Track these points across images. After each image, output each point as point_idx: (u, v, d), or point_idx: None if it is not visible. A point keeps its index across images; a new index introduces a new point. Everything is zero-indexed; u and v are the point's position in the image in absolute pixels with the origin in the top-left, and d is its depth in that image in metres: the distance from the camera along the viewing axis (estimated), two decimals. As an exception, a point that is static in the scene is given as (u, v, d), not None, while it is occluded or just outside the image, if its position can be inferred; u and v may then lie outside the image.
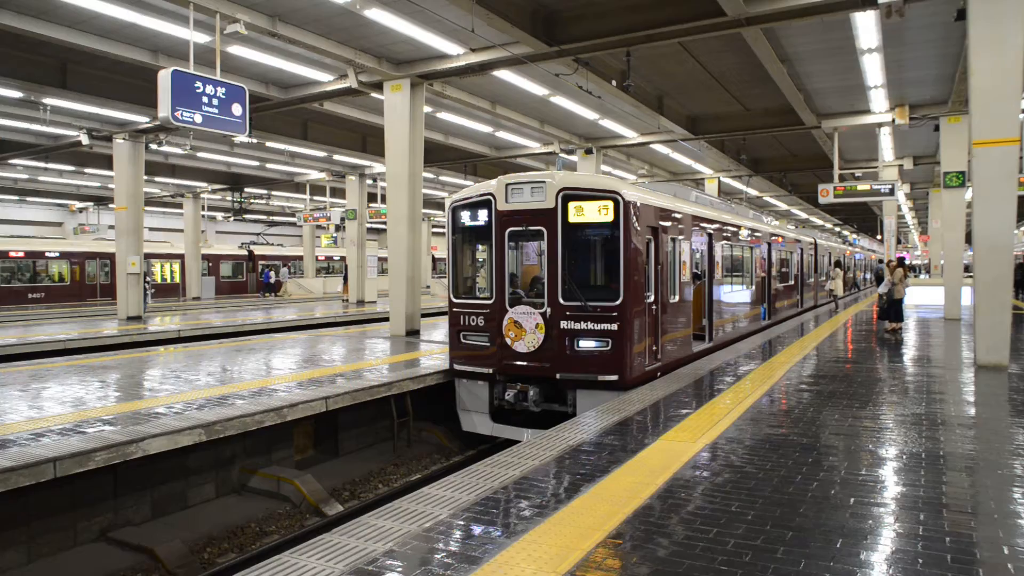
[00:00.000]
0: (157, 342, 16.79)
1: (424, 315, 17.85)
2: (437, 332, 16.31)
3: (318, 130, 22.81)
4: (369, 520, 4.64)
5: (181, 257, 36.87)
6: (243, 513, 7.98)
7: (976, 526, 4.37)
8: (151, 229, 39.69)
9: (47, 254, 32.21)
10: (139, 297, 21.15)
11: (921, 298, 25.10)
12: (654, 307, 10.24)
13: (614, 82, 15.35)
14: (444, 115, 19.98)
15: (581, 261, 9.91)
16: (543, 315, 9.66)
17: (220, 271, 39.59)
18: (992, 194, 10.14)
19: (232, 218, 41.88)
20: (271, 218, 50.26)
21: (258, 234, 47.05)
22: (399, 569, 3.88)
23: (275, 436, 8.96)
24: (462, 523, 4.56)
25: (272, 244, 46.45)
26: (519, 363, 9.85)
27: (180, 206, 37.97)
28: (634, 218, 9.49)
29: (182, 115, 10.01)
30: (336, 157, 26.42)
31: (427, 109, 17.39)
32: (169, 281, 37.10)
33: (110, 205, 35.61)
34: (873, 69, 15.28)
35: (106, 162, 23.79)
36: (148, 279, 24.04)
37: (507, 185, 9.97)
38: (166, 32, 13.01)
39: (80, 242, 34.94)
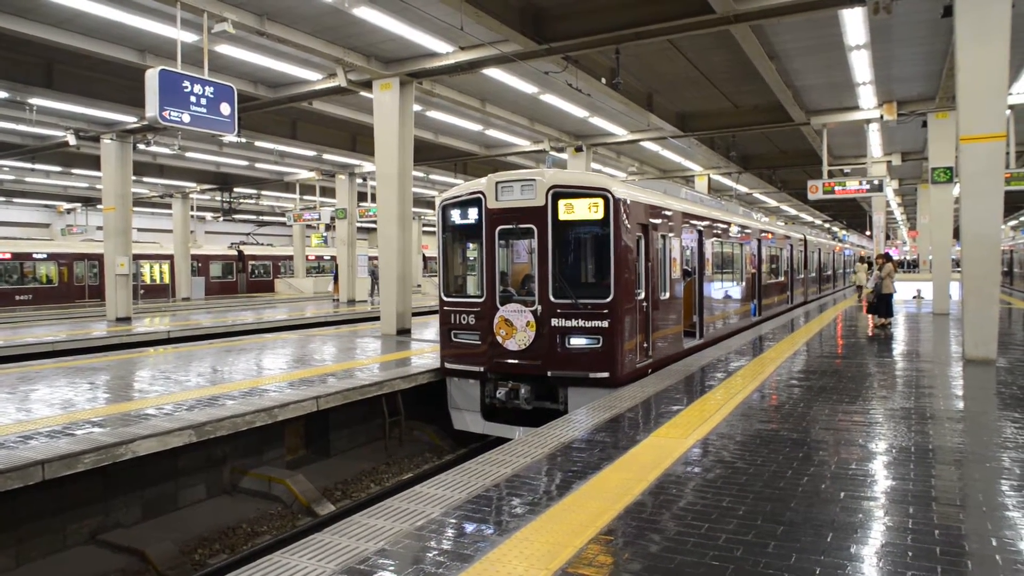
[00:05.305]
0: (146, 343, 16.68)
1: (415, 314, 17.82)
2: (428, 331, 16.28)
3: (307, 129, 22.71)
4: (361, 519, 4.63)
5: (170, 258, 36.65)
6: (234, 514, 7.94)
7: (965, 519, 4.40)
8: (139, 230, 39.35)
9: (34, 255, 31.95)
10: (128, 298, 21.01)
11: (910, 293, 25.25)
12: (645, 304, 10.26)
13: (603, 80, 15.36)
14: (434, 113, 19.94)
15: (571, 259, 9.91)
16: (534, 313, 9.66)
17: (210, 271, 39.40)
18: (979, 189, 10.20)
19: (221, 218, 41.63)
20: (261, 218, 50.01)
21: (248, 234, 46.81)
22: (391, 568, 3.87)
23: (266, 436, 8.93)
24: (454, 521, 4.56)
25: (262, 244, 46.24)
26: (510, 361, 9.85)
27: (169, 206, 37.72)
28: (624, 215, 9.50)
29: (170, 115, 9.94)
30: (326, 156, 26.33)
31: (417, 107, 17.34)
32: (159, 282, 36.88)
33: (98, 206, 35.29)
34: (861, 66, 15.36)
35: (93, 162, 23.61)
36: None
37: (497, 183, 9.96)
38: (153, 31, 12.92)
39: (68, 243, 34.68)
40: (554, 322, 9.58)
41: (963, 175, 10.37)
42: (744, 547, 4.03)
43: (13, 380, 10.43)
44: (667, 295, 11.19)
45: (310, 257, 46.44)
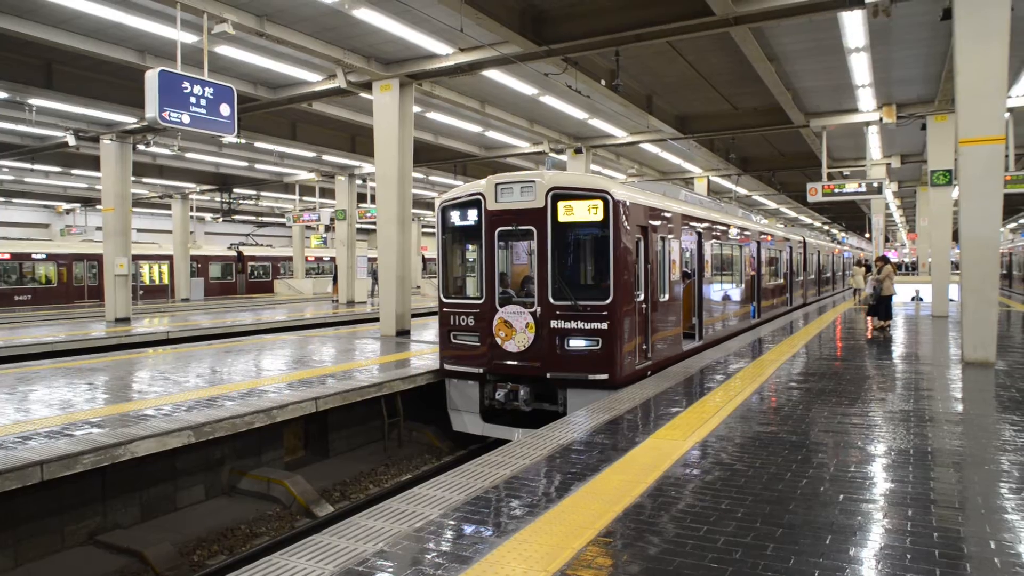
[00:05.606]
0: (145, 344, 16.67)
1: (414, 315, 17.82)
2: (427, 332, 16.28)
3: (307, 130, 22.72)
4: (360, 521, 4.62)
5: (169, 258, 36.64)
6: (233, 515, 7.94)
7: (963, 521, 4.40)
8: (139, 230, 39.35)
9: (34, 256, 31.93)
10: (127, 299, 21.00)
11: (908, 295, 25.26)
12: (644, 306, 10.26)
13: (603, 81, 15.37)
14: (433, 115, 19.95)
15: (571, 260, 9.92)
16: (533, 315, 9.65)
17: (209, 272, 39.39)
18: (978, 192, 10.21)
19: (221, 219, 41.66)
20: (260, 219, 50.03)
21: (247, 235, 46.83)
22: (390, 569, 3.87)
23: (265, 437, 8.93)
24: (453, 523, 4.56)
25: (261, 245, 46.25)
26: (509, 363, 9.85)
27: (168, 207, 37.70)
28: (624, 217, 9.51)
29: (170, 116, 9.94)
30: (325, 157, 26.33)
31: (416, 109, 17.35)
32: (158, 283, 36.86)
33: (97, 206, 35.35)
34: (860, 68, 15.38)
35: (93, 163, 23.62)
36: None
37: (497, 185, 9.97)
38: (153, 32, 12.92)
39: (67, 244, 34.66)
40: (553, 324, 9.58)
41: (962, 178, 10.38)
42: (743, 549, 4.03)
43: (12, 380, 10.42)
44: (666, 297, 11.19)
45: (309, 258, 46.40)
